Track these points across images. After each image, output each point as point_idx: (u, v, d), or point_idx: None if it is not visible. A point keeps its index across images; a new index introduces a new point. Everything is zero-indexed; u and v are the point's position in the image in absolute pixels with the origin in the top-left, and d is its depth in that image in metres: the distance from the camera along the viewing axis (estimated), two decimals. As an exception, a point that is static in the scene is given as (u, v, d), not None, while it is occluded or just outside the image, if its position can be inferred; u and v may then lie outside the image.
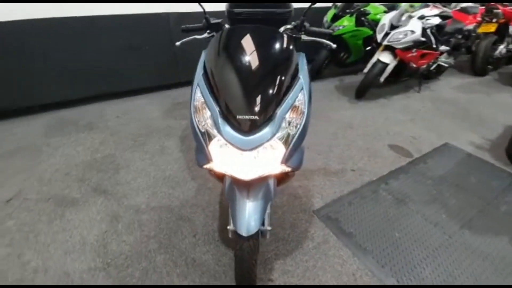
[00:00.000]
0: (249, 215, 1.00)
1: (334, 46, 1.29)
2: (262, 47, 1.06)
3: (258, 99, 0.94)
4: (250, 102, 0.93)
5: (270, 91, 0.96)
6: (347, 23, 3.21)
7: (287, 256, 1.40)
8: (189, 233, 1.51)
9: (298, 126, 1.00)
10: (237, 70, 0.98)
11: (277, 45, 1.09)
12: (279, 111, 0.96)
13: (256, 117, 0.92)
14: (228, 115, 0.94)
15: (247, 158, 0.94)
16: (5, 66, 2.38)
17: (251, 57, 1.01)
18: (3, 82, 2.42)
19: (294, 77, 1.06)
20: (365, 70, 2.99)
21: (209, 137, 0.96)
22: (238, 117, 0.92)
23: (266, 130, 0.93)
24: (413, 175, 1.97)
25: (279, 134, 0.95)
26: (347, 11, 3.27)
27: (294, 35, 1.28)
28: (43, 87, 2.59)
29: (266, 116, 0.94)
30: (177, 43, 1.33)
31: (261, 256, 1.39)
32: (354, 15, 3.23)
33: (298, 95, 1.02)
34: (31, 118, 2.61)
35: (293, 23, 1.30)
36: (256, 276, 1.13)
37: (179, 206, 1.68)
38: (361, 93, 3.09)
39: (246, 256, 1.02)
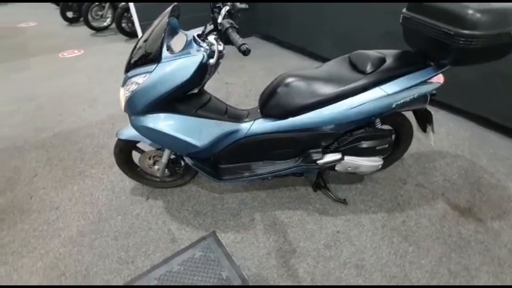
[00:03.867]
0: (128, 128, 1.50)
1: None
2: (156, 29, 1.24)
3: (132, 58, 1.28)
4: (131, 57, 1.30)
5: (134, 57, 1.25)
6: None
7: (177, 218, 1.69)
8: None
9: (131, 91, 1.23)
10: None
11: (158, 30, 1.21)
12: (130, 73, 1.24)
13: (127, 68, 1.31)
14: None
15: None
16: (303, 22, 3.40)
17: (150, 32, 1.27)
18: (308, 33, 3.53)
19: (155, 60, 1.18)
20: None
21: None
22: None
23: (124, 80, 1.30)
24: None
25: (124, 87, 1.28)
26: None
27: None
28: (323, 44, 3.41)
29: (128, 71, 1.27)
30: None
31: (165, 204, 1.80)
32: None
33: (145, 73, 1.19)
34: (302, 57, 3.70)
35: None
36: (127, 173, 1.70)
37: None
38: None
39: (114, 150, 1.61)
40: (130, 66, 1.25)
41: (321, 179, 1.74)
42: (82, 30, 5.11)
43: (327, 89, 1.32)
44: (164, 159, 1.58)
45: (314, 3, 3.25)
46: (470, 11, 1.08)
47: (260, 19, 4.12)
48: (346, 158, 1.51)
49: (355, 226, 1.57)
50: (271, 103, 1.40)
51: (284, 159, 1.55)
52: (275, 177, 1.57)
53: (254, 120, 1.46)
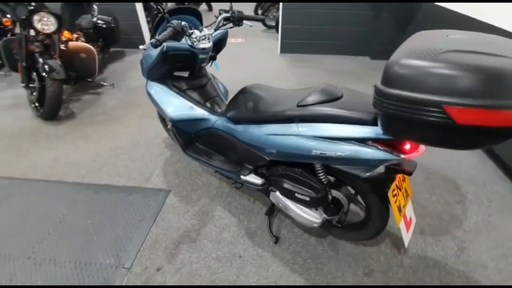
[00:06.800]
0: None
1: None
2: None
3: None
4: None
5: None
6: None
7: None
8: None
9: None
10: None
11: None
12: None
13: None
14: None
15: None
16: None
17: None
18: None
19: None
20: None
21: None
22: None
23: None
24: None
25: None
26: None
27: None
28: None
29: None
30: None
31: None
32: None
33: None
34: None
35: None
36: (162, 124, 2.24)
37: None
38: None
39: None
40: None
41: (273, 207, 1.62)
42: (257, 25, 6.19)
43: (263, 109, 1.25)
44: (172, 121, 2.01)
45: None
46: (402, 62, 0.74)
47: (376, 42, 3.84)
48: (278, 192, 1.36)
49: (259, 265, 1.41)
50: (229, 105, 1.48)
51: (232, 161, 1.59)
52: (221, 174, 1.64)
53: (222, 116, 1.59)
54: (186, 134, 1.80)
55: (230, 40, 5.21)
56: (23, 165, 2.12)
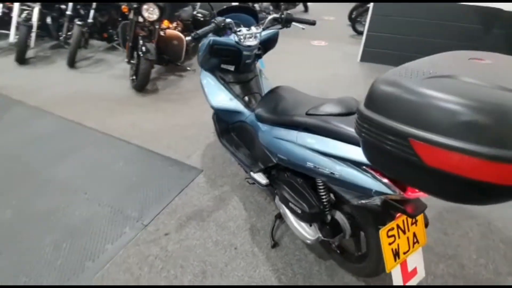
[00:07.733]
0: None
1: None
2: None
3: None
4: None
5: None
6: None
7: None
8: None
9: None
10: None
11: None
12: None
13: None
14: None
15: None
16: None
17: None
18: None
19: None
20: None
21: None
22: None
23: None
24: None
25: None
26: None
27: None
28: None
29: None
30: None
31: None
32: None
33: None
34: None
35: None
36: None
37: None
38: None
39: None
40: None
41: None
42: (347, 30, 5.84)
43: (280, 111, 1.25)
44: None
45: None
46: (386, 80, 0.65)
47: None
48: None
49: (249, 262, 1.44)
50: (259, 103, 1.52)
51: (252, 157, 1.63)
52: (241, 167, 1.70)
53: (252, 112, 1.65)
54: (225, 123, 1.93)
55: (312, 42, 5.19)
56: (109, 123, 2.66)
